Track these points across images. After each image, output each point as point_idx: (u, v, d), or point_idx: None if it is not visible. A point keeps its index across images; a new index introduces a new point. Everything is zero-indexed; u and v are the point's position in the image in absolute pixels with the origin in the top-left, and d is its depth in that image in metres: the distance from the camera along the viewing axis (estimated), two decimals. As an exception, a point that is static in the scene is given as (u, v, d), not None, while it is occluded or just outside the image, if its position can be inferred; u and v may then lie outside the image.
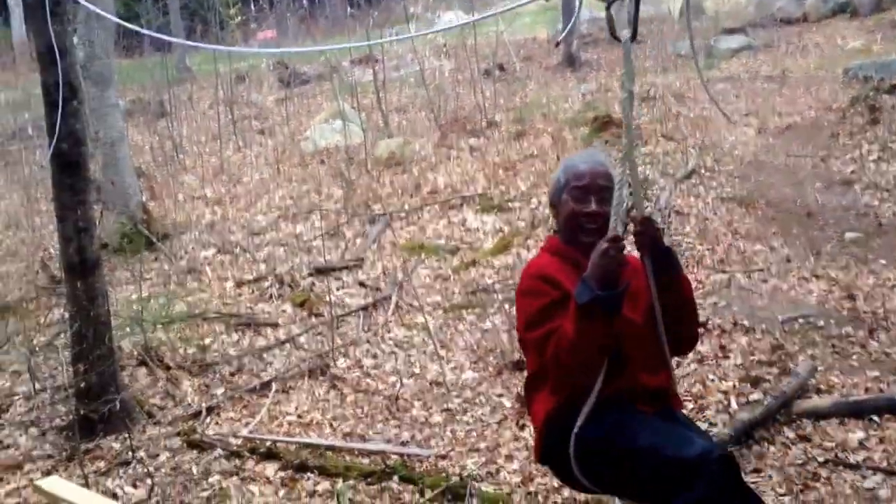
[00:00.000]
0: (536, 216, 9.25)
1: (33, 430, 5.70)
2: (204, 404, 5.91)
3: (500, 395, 5.77)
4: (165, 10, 25.94)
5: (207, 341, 6.95)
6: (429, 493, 4.60)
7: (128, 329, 6.75)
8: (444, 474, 4.80)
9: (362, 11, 25.99)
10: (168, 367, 6.44)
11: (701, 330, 6.28)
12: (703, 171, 10.56)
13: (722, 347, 6.03)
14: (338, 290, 7.97)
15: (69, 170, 5.36)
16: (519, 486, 4.64)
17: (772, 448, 4.79)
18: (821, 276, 7.16)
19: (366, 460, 5.08)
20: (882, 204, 8.81)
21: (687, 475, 2.76)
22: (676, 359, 5.80)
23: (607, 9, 2.94)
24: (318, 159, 13.45)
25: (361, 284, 8.08)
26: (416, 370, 6.33)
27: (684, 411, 5.20)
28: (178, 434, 5.50)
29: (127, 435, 5.39)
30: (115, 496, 4.77)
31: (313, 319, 7.38)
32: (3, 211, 11.63)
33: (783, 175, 10.35)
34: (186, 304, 7.70)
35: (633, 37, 2.94)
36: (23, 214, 11.20)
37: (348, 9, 26.64)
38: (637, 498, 3.08)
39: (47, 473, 5.02)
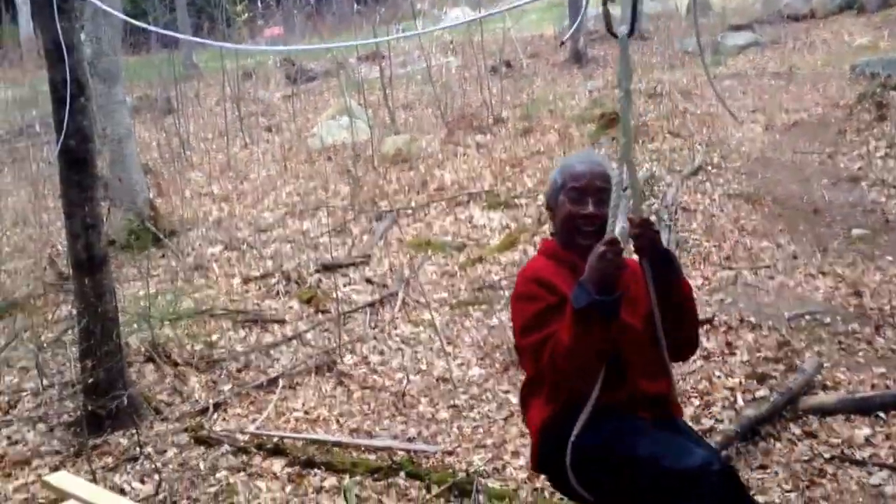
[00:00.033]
0: (543, 213, 9.23)
1: (41, 426, 5.73)
2: (211, 400, 5.92)
3: (507, 392, 5.77)
4: (172, 7, 25.95)
5: (214, 338, 6.97)
6: (435, 489, 4.61)
7: (135, 325, 6.77)
8: (450, 470, 4.81)
9: (369, 8, 26.00)
10: (175, 364, 6.46)
11: (707, 326, 6.30)
12: (709, 167, 10.55)
13: (728, 344, 6.03)
14: (344, 286, 7.98)
15: (77, 166, 5.38)
16: (525, 483, 4.65)
17: (778, 444, 4.79)
18: (827, 273, 7.15)
19: (372, 456, 5.09)
20: (889, 200, 8.79)
21: (687, 487, 2.68)
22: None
23: (604, 4, 2.88)
24: (325, 156, 13.46)
25: (368, 281, 8.09)
26: (423, 367, 6.34)
27: (689, 410, 5.26)
28: (186, 430, 5.52)
29: (134, 431, 5.41)
30: (122, 491, 4.79)
31: (320, 316, 7.39)
32: (10, 208, 11.65)
33: (790, 172, 10.34)
34: (193, 300, 7.71)
35: (631, 33, 2.85)
36: (30, 211, 11.23)
37: (355, 5, 26.68)
38: None
39: (55, 469, 5.05)
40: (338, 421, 5.60)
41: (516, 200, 9.91)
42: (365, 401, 5.87)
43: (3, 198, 12.15)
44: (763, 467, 4.59)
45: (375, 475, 4.82)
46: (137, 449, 5.26)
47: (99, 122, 8.98)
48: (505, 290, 7.29)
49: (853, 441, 4.73)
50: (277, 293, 7.90)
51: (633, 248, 2.97)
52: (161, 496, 4.79)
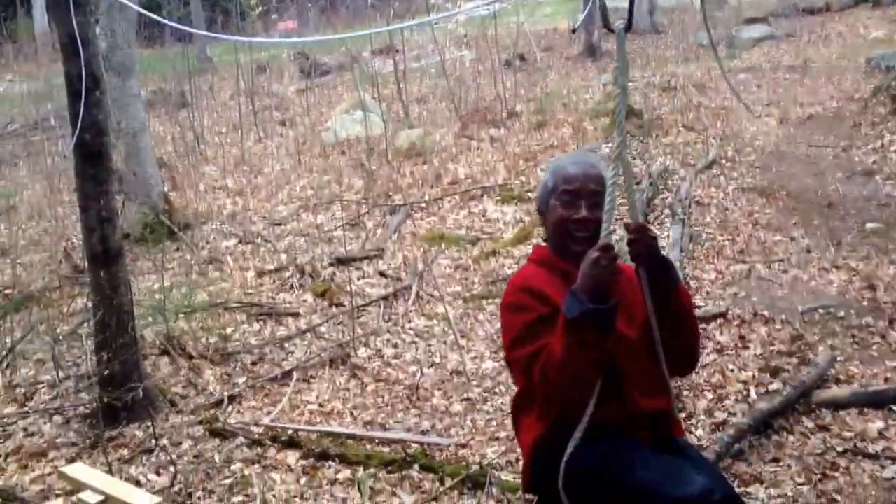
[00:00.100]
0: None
1: (57, 418, 5.76)
2: (226, 393, 5.95)
3: (520, 385, 5.78)
4: (186, 1, 26.00)
5: (229, 331, 6.99)
6: (449, 482, 4.63)
7: (150, 318, 6.79)
8: (464, 463, 4.82)
9: (383, 2, 25.98)
10: (190, 357, 6.49)
11: (720, 320, 6.30)
12: (723, 161, 10.53)
13: (741, 338, 6.03)
14: (358, 280, 8.00)
15: (92, 160, 5.40)
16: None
17: (791, 438, 4.79)
18: (841, 267, 7.14)
19: (386, 449, 5.11)
20: (904, 194, 8.78)
21: None
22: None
23: None
24: (339, 150, 13.48)
25: (382, 274, 8.11)
26: (437, 360, 6.36)
27: (702, 403, 5.27)
28: (201, 422, 5.54)
29: (150, 423, 5.44)
30: (138, 483, 4.81)
31: (334, 309, 7.40)
32: (26, 201, 11.72)
33: (804, 165, 10.31)
34: (208, 293, 7.74)
35: (629, 27, 2.72)
36: (46, 204, 11.30)
37: (368, 0, 26.67)
38: None
39: (71, 461, 5.07)
40: (352, 414, 5.62)
41: (530, 194, 9.90)
42: (379, 394, 5.89)
43: (19, 191, 12.22)
44: (776, 460, 4.59)
45: (389, 467, 4.84)
46: (153, 441, 5.29)
47: (114, 115, 9.03)
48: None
49: (866, 434, 4.73)
50: (291, 286, 7.92)
51: (628, 255, 2.84)
52: (176, 488, 4.81)
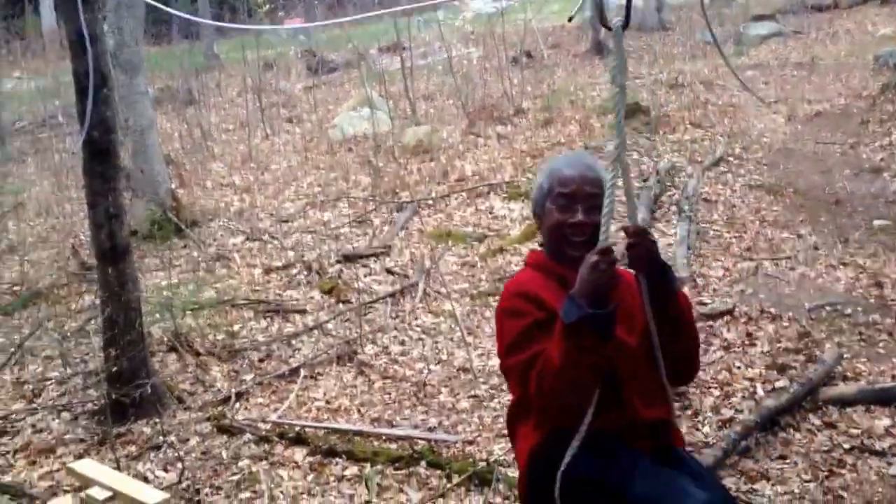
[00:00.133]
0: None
1: (65, 415, 5.78)
2: (233, 390, 5.96)
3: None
4: (194, -1, 26.07)
5: (236, 327, 7.01)
6: (456, 479, 4.64)
7: (158, 315, 6.81)
8: (471, 460, 4.83)
9: (390, -1, 26.00)
10: (197, 353, 6.50)
11: (727, 317, 6.30)
12: (731, 158, 10.53)
13: (748, 335, 6.03)
14: (365, 277, 8.01)
15: (100, 157, 5.42)
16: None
17: (797, 435, 4.80)
18: (848, 264, 7.13)
19: (393, 445, 5.12)
20: (912, 191, 8.77)
21: None
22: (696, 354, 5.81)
23: None
24: (346, 147, 13.49)
25: (389, 271, 8.11)
26: (444, 357, 6.37)
27: (709, 400, 5.27)
28: (208, 419, 5.56)
29: (157, 420, 5.46)
30: (146, 479, 4.83)
31: (341, 306, 7.41)
32: (34, 198, 11.74)
33: (812, 162, 10.30)
34: (215, 290, 7.76)
35: (626, 25, 2.62)
36: (54, 201, 11.32)
37: (375, -4, 26.70)
38: None
39: (79, 457, 5.10)
40: (359, 410, 5.63)
41: (536, 191, 9.88)
42: (386, 391, 5.90)
43: (27, 188, 12.24)
44: (782, 457, 4.60)
45: (396, 464, 4.85)
46: (160, 437, 5.31)
47: (121, 113, 9.04)
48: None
49: (873, 432, 4.73)
50: (299, 283, 7.93)
51: (627, 259, 2.75)
52: (184, 484, 4.83)
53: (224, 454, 5.14)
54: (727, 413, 5.06)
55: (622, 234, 2.74)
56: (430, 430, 5.30)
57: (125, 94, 9.58)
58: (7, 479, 4.97)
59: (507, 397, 5.55)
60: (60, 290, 8.02)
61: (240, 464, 5.03)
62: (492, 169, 10.92)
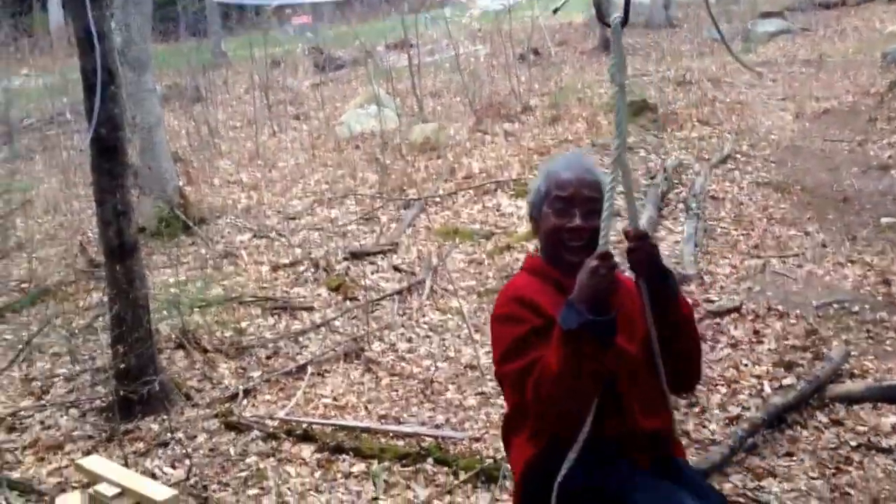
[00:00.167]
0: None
1: (74, 411, 5.79)
2: (241, 387, 5.97)
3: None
4: (201, -4, 26.09)
5: (244, 325, 7.02)
6: (463, 475, 4.64)
7: (165, 312, 6.82)
8: (478, 457, 4.84)
9: (397, -4, 26.02)
10: (205, 350, 6.52)
11: (735, 314, 6.30)
12: (738, 156, 10.52)
13: (756, 332, 6.03)
14: (373, 274, 8.02)
15: (107, 154, 5.43)
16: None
17: (804, 432, 4.80)
18: (856, 262, 7.13)
19: (401, 442, 5.12)
20: (920, 189, 8.76)
21: None
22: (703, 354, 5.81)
23: None
24: (353, 144, 13.50)
25: (396, 269, 8.12)
26: (451, 354, 6.37)
27: (716, 398, 5.27)
28: (216, 416, 5.57)
29: (165, 416, 5.47)
30: (154, 476, 4.84)
31: (348, 303, 7.42)
32: (42, 195, 11.77)
33: (819, 160, 10.29)
34: (223, 287, 7.77)
35: (625, 21, 2.49)
36: (61, 199, 11.35)
37: (383, -6, 26.70)
38: None
39: (87, 453, 5.10)
40: (366, 407, 5.64)
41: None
42: (393, 388, 5.91)
43: (35, 185, 12.27)
44: (789, 455, 4.60)
45: (403, 461, 4.86)
46: (168, 434, 5.32)
47: (129, 110, 9.05)
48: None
49: (880, 429, 4.73)
50: (306, 281, 7.94)
51: (627, 264, 2.65)
52: (192, 481, 4.84)
53: (232, 451, 5.15)
54: (734, 410, 5.07)
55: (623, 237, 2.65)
56: (438, 427, 5.30)
57: (133, 91, 9.59)
58: (16, 475, 4.98)
59: (514, 394, 5.57)
60: (68, 287, 8.04)
61: (247, 460, 5.04)
62: (499, 166, 10.92)
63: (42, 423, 5.68)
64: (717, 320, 6.26)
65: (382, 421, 5.43)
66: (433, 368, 6.10)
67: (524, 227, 8.82)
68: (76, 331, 6.78)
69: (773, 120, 12.36)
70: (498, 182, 10.29)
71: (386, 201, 10.17)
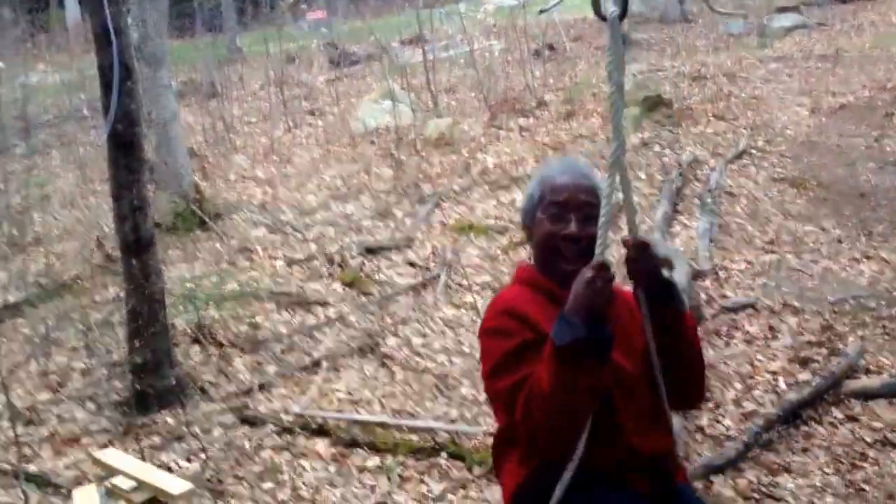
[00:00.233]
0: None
1: (90, 405, 5.82)
2: (256, 381, 5.99)
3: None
4: (216, -8, 26.14)
5: (259, 319, 7.04)
6: (477, 470, 4.65)
7: (181, 307, 6.84)
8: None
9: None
10: (221, 345, 6.54)
11: (750, 310, 6.28)
12: (754, 151, 10.49)
13: (771, 328, 6.02)
14: (387, 269, 8.02)
15: (124, 150, 5.45)
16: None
17: (820, 428, 4.79)
18: (872, 257, 7.11)
19: (415, 437, 5.13)
20: (936, 184, 8.72)
21: None
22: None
23: None
24: (368, 139, 13.50)
25: (411, 264, 8.12)
26: (465, 349, 6.37)
27: (730, 394, 5.26)
28: (231, 410, 5.59)
29: (181, 410, 5.50)
30: (169, 469, 4.86)
31: (363, 298, 7.43)
32: (59, 190, 11.82)
33: (835, 155, 10.25)
34: (238, 282, 7.78)
35: (623, 15, 2.31)
36: (78, 194, 11.40)
37: (398, -11, 26.67)
38: None
39: (104, 447, 5.13)
40: (380, 402, 5.65)
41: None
42: (407, 382, 5.92)
43: (52, 181, 12.33)
44: (805, 450, 4.59)
45: (418, 455, 4.88)
46: (184, 428, 5.34)
47: (145, 106, 9.07)
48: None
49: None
50: (321, 276, 7.95)
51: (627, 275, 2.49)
52: (207, 474, 4.87)
53: (247, 445, 5.17)
54: (749, 406, 5.06)
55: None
56: (452, 421, 5.31)
57: (149, 87, 9.62)
58: (33, 468, 5.01)
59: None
60: (85, 282, 8.07)
61: (262, 454, 5.06)
62: (514, 162, 10.91)
63: (59, 416, 5.72)
64: (732, 316, 6.25)
65: (397, 415, 5.44)
66: (448, 363, 6.11)
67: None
68: (93, 325, 6.81)
69: (788, 115, 12.31)
70: (513, 177, 10.28)
71: (401, 196, 10.17)
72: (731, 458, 4.47)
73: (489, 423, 5.21)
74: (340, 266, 8.04)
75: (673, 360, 2.51)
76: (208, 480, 4.82)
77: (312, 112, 16.71)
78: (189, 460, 5.07)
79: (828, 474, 4.34)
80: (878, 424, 4.73)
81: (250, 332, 6.76)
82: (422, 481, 4.66)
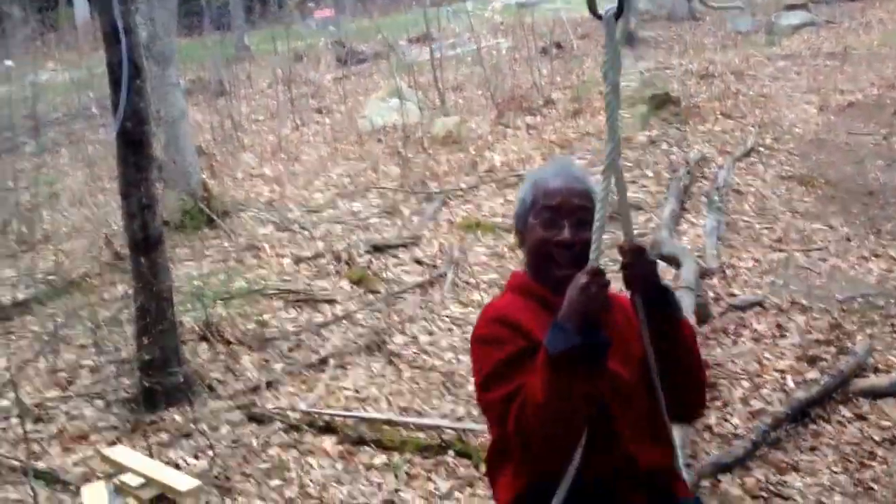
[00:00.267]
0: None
1: (99, 402, 5.83)
2: (263, 379, 5.99)
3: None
4: (225, -10, 26.16)
5: (266, 317, 7.04)
6: (484, 468, 4.65)
7: (189, 305, 6.86)
8: (499, 449, 4.84)
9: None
10: (228, 342, 6.54)
11: (757, 308, 6.27)
12: (762, 149, 10.48)
13: (779, 326, 6.01)
14: (394, 267, 8.03)
15: (133, 148, 5.45)
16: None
17: (828, 427, 4.78)
18: (881, 256, 7.10)
19: (422, 435, 5.14)
20: (945, 183, 8.70)
21: None
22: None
23: None
24: (375, 137, 13.51)
25: (418, 262, 8.13)
26: (472, 347, 6.36)
27: (738, 392, 5.25)
28: (239, 407, 5.59)
29: (189, 408, 5.50)
30: (177, 467, 4.88)
31: (370, 296, 7.43)
32: (68, 188, 11.85)
33: (844, 153, 10.23)
34: (246, 280, 7.80)
35: (619, 14, 2.21)
36: (87, 192, 11.42)
37: (405, -13, 26.68)
38: None
39: (112, 444, 5.15)
40: (388, 400, 5.65)
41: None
42: (415, 380, 5.92)
43: (61, 179, 12.36)
44: (813, 449, 4.59)
45: (425, 453, 4.88)
46: (191, 425, 5.35)
47: (153, 104, 9.08)
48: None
49: (904, 424, 4.71)
50: (328, 273, 7.95)
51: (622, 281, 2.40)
52: (215, 472, 4.88)
53: (254, 442, 5.18)
54: (757, 404, 5.05)
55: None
56: (459, 419, 5.32)
57: (157, 85, 9.62)
58: (42, 465, 5.03)
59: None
60: (94, 280, 8.09)
61: (270, 452, 5.07)
62: (521, 159, 10.91)
63: (67, 413, 5.73)
64: (740, 314, 6.24)
65: (404, 413, 5.45)
66: (455, 361, 6.11)
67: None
68: (101, 323, 6.82)
69: (797, 113, 12.29)
70: (520, 175, 10.26)
71: (408, 194, 10.17)
72: (738, 456, 4.47)
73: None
74: (348, 264, 8.05)
75: (670, 365, 2.42)
76: (216, 477, 4.83)
77: (320, 110, 16.73)
78: (197, 457, 5.07)
79: (836, 473, 4.34)
80: (886, 423, 4.73)
81: (258, 330, 6.77)
82: (429, 479, 4.67)
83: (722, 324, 6.12)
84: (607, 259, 2.81)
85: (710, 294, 6.60)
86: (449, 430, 5.12)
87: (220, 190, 10.82)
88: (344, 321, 6.94)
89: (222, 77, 17.98)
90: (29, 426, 5.35)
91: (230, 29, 24.73)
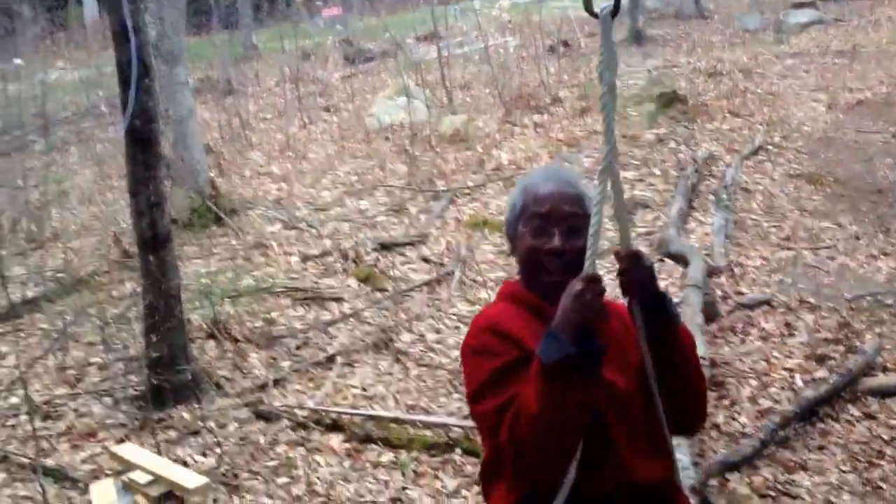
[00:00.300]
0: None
1: (107, 400, 5.85)
2: (271, 377, 6.00)
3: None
4: (233, -12, 26.19)
5: (274, 315, 7.05)
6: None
7: (197, 302, 6.87)
8: (506, 447, 4.84)
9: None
10: (236, 340, 6.55)
11: (766, 307, 6.26)
12: (770, 147, 10.46)
13: (787, 325, 6.00)
14: (402, 265, 8.03)
15: (142, 146, 5.47)
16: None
17: (836, 425, 4.78)
18: (889, 254, 7.08)
19: (429, 433, 5.14)
20: (954, 181, 8.68)
21: None
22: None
23: None
24: (383, 136, 13.51)
25: (425, 260, 8.13)
26: (479, 345, 6.35)
27: (746, 391, 5.24)
28: (246, 405, 5.61)
29: (196, 405, 5.52)
30: (185, 464, 4.89)
31: (377, 294, 7.44)
32: (77, 187, 11.88)
33: (852, 151, 10.21)
34: (253, 278, 7.81)
35: (615, 12, 2.14)
36: (96, 190, 11.44)
37: (413, -15, 26.68)
38: None
39: (120, 441, 5.17)
40: (395, 398, 5.66)
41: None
42: (422, 378, 5.92)
43: (70, 177, 12.39)
44: (821, 448, 4.58)
45: (432, 451, 4.89)
46: (199, 423, 5.36)
47: (162, 102, 9.09)
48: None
49: (913, 423, 4.70)
50: (335, 271, 7.96)
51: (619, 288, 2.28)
52: (222, 469, 4.89)
53: (262, 440, 5.19)
54: (765, 403, 5.05)
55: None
56: (466, 417, 5.31)
57: (166, 84, 9.63)
58: (51, 462, 5.04)
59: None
60: (102, 278, 8.11)
61: (277, 449, 5.08)
62: (528, 158, 10.90)
63: (76, 410, 5.75)
64: (748, 312, 6.24)
65: (411, 411, 5.45)
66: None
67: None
68: (110, 320, 6.84)
69: (805, 111, 12.27)
70: (527, 174, 10.25)
71: (415, 192, 10.18)
72: (746, 455, 4.47)
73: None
74: (355, 262, 8.05)
75: (669, 372, 2.31)
76: (223, 475, 4.84)
77: (327, 108, 16.73)
78: (204, 455, 5.09)
79: (844, 472, 4.33)
80: (894, 422, 4.72)
81: (265, 328, 6.78)
82: (436, 477, 4.67)
83: (730, 322, 6.11)
84: (607, 264, 2.83)
85: (718, 292, 6.59)
86: (456, 428, 5.12)
87: (228, 188, 10.84)
88: (351, 319, 6.94)
89: (230, 75, 18.01)
90: (38, 423, 5.37)
91: (238, 28, 24.76)
